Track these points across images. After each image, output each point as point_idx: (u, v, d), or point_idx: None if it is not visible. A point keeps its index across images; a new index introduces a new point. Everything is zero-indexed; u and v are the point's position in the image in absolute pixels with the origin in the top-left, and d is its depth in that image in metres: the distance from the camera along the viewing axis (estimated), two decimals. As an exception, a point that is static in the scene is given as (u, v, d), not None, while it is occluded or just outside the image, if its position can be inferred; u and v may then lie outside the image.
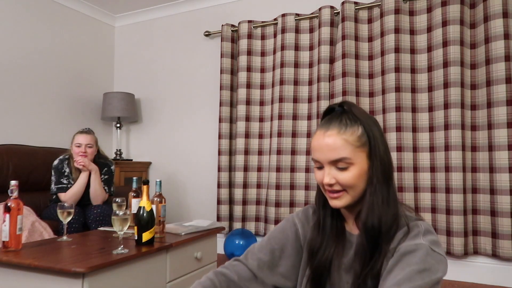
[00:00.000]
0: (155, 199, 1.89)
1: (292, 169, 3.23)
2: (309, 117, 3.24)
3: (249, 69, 3.44)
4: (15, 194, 1.62)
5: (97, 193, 2.68)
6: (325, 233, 0.98)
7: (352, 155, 0.87)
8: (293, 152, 3.24)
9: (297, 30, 3.28)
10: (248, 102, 3.43)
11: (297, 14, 3.28)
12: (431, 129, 2.81)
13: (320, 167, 0.91)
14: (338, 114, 0.91)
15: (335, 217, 0.98)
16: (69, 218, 1.89)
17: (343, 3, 3.05)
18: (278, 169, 3.22)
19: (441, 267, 0.81)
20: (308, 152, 3.22)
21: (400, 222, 0.88)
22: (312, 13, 3.24)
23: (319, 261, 0.96)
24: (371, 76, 3.04)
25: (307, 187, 3.20)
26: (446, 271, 0.83)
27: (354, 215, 0.95)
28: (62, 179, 2.67)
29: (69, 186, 2.66)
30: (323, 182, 0.90)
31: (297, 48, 3.27)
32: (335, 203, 0.91)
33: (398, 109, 2.84)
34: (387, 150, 0.92)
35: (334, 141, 0.87)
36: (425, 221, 0.89)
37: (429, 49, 2.84)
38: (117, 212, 1.62)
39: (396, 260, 0.82)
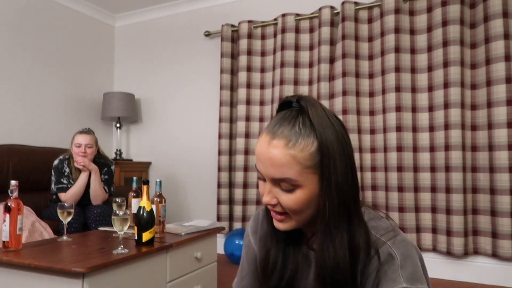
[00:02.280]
0: (155, 199, 1.89)
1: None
2: (309, 117, 3.23)
3: (249, 69, 3.43)
4: (15, 194, 1.62)
5: (97, 193, 2.68)
6: (279, 248, 0.82)
7: (298, 177, 0.69)
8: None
9: (297, 30, 3.28)
10: (248, 102, 3.43)
11: (297, 14, 3.28)
12: (431, 129, 2.81)
13: (262, 180, 0.75)
14: (293, 114, 0.72)
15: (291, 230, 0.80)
16: (69, 218, 1.89)
17: (343, 3, 3.05)
18: (278, 169, 3.22)
19: None
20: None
21: (369, 251, 0.72)
22: (312, 13, 3.24)
23: (277, 284, 0.81)
24: (371, 76, 3.04)
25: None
26: None
27: (310, 232, 0.81)
28: (62, 179, 2.67)
29: (69, 186, 2.66)
30: (263, 200, 0.74)
31: (297, 48, 3.27)
32: (278, 225, 0.76)
33: (398, 109, 2.84)
34: (350, 171, 0.72)
35: (279, 156, 0.69)
36: (397, 237, 0.73)
37: (429, 49, 2.84)
38: (117, 212, 1.62)
39: None
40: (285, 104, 0.76)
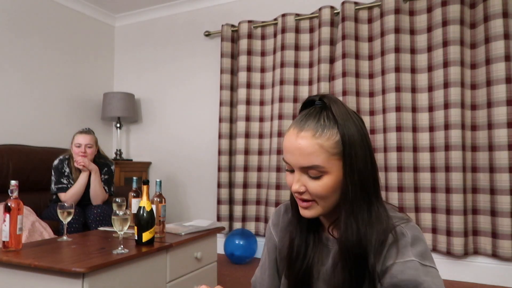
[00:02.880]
0: (155, 199, 1.89)
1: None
2: (309, 117, 3.23)
3: (249, 69, 3.43)
4: (15, 194, 1.62)
5: (97, 193, 2.68)
6: (302, 237, 0.89)
7: (326, 164, 0.76)
8: (293, 152, 3.23)
9: (297, 30, 3.28)
10: (248, 102, 3.43)
11: (297, 14, 3.28)
12: (431, 129, 2.81)
13: (291, 171, 0.82)
14: (317, 110, 0.80)
15: (312, 220, 0.88)
16: (69, 218, 1.89)
17: (343, 3, 3.05)
18: (278, 169, 3.22)
19: (438, 282, 0.74)
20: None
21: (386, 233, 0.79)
22: (312, 13, 3.24)
23: (298, 270, 0.88)
24: (371, 76, 3.04)
25: (307, 187, 3.19)
26: (441, 283, 0.75)
27: (330, 222, 0.87)
28: (62, 179, 2.67)
29: (69, 186, 2.66)
30: (292, 187, 0.81)
31: (297, 48, 3.27)
32: (304, 212, 0.82)
33: (398, 109, 2.84)
34: (369, 159, 0.80)
35: (307, 146, 0.76)
36: (410, 223, 0.80)
37: (429, 49, 2.84)
38: (117, 212, 1.62)
39: None
40: (308, 103, 0.84)
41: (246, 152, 3.42)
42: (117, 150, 3.95)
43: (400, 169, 2.82)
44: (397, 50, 2.85)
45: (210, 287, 0.72)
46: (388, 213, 0.81)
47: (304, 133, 0.77)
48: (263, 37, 3.47)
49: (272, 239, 1.00)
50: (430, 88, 2.83)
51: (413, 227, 0.79)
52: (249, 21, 3.45)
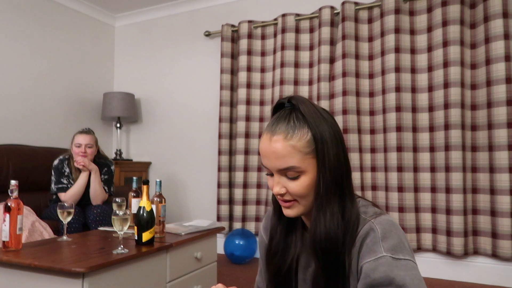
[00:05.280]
0: (155, 199, 1.89)
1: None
2: (309, 117, 3.23)
3: (249, 69, 3.43)
4: (15, 194, 1.62)
5: (97, 193, 2.68)
6: (281, 235, 0.90)
7: (301, 163, 0.78)
8: (293, 152, 3.23)
9: (297, 30, 3.28)
10: (248, 102, 3.43)
11: (297, 14, 3.28)
12: (431, 129, 2.81)
13: (270, 175, 0.84)
14: (286, 112, 0.81)
15: (294, 221, 0.90)
16: (69, 218, 1.89)
17: (343, 3, 3.05)
18: (278, 169, 3.22)
19: (412, 274, 0.72)
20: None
21: (357, 227, 0.79)
22: (312, 13, 3.24)
23: (275, 267, 0.89)
24: (371, 76, 3.04)
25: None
26: (420, 277, 0.73)
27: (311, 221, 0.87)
28: (62, 179, 2.67)
29: (69, 186, 2.66)
30: (273, 190, 0.82)
31: (297, 48, 3.27)
32: (287, 212, 0.84)
33: (398, 109, 2.84)
34: (342, 155, 0.81)
35: (281, 149, 0.78)
36: (381, 216, 0.79)
37: (429, 49, 2.84)
38: (117, 212, 1.62)
39: None
40: (278, 106, 0.86)
41: (246, 152, 3.42)
42: (117, 150, 3.95)
43: (400, 169, 2.82)
44: (397, 50, 2.85)
45: (226, 287, 0.73)
46: (359, 209, 0.82)
47: (276, 137, 0.79)
48: (263, 37, 3.47)
49: (263, 243, 1.01)
50: (430, 88, 2.83)
51: (383, 221, 0.78)
52: (249, 21, 3.45)
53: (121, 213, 1.61)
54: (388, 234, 0.76)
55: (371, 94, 3.03)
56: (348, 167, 0.83)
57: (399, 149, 2.83)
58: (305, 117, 0.79)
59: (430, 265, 2.82)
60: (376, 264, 0.73)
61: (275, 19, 3.38)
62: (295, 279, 0.90)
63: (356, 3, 3.05)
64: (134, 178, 2.17)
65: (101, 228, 2.26)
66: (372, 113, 3.02)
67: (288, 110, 0.82)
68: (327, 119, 0.81)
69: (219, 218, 3.43)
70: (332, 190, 0.79)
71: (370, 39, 3.05)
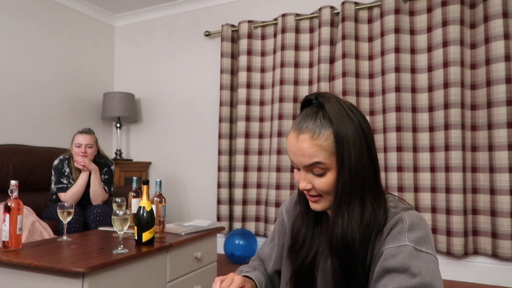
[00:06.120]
0: (155, 199, 1.89)
1: (292, 169, 3.23)
2: (309, 117, 3.23)
3: (249, 69, 3.43)
4: (15, 194, 1.62)
5: (97, 193, 2.68)
6: (308, 228, 0.92)
7: (327, 161, 0.79)
8: (293, 152, 3.23)
9: (297, 30, 3.28)
10: (248, 102, 3.43)
11: (297, 14, 3.28)
12: (431, 129, 2.81)
13: (298, 168, 0.85)
14: (313, 110, 0.82)
15: (319, 214, 0.92)
16: (69, 218, 1.89)
17: (343, 3, 3.05)
18: (278, 169, 3.22)
19: (430, 266, 0.73)
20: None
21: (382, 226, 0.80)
22: (312, 13, 3.24)
23: (302, 260, 0.90)
24: (371, 76, 3.04)
25: (307, 187, 3.19)
26: (437, 271, 0.74)
27: None
28: (62, 179, 2.67)
29: (69, 186, 2.66)
30: (299, 186, 0.84)
31: (297, 48, 3.27)
32: (313, 206, 0.86)
33: (398, 109, 2.84)
34: (366, 155, 0.80)
35: (307, 147, 0.79)
36: (412, 211, 0.80)
37: (429, 49, 2.84)
38: (117, 212, 1.62)
39: (378, 272, 0.76)
40: (306, 102, 0.86)
41: (246, 152, 3.42)
42: (117, 150, 3.95)
43: (400, 169, 2.82)
44: (397, 50, 2.85)
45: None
46: (389, 204, 0.83)
47: (302, 136, 0.80)
48: (263, 37, 3.47)
49: (284, 224, 1.03)
50: (430, 88, 2.83)
51: (413, 214, 0.79)
52: (249, 21, 3.45)
53: (121, 213, 1.62)
54: (415, 226, 0.77)
55: (371, 94, 3.03)
56: (375, 168, 0.82)
57: (399, 149, 2.83)
58: (330, 117, 0.79)
59: (430, 265, 2.82)
60: (397, 251, 0.74)
61: (275, 19, 3.38)
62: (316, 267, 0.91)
63: (356, 3, 3.05)
64: (134, 178, 2.17)
65: (101, 228, 2.26)
66: (372, 113, 3.02)
67: (315, 108, 0.82)
68: (354, 118, 0.80)
69: (219, 218, 3.43)
70: (351, 192, 0.79)
71: (370, 39, 3.05)
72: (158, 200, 1.89)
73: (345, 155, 0.78)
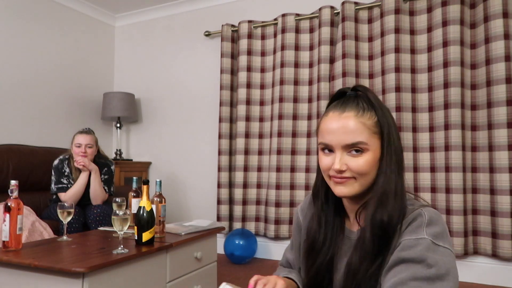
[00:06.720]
0: (155, 199, 1.89)
1: (292, 169, 3.23)
2: (309, 117, 3.24)
3: (249, 69, 3.43)
4: (15, 194, 1.62)
5: (97, 193, 2.68)
6: (327, 229, 0.92)
7: (368, 140, 0.82)
8: (293, 152, 3.24)
9: (297, 30, 3.28)
10: (248, 102, 3.43)
11: (297, 14, 3.28)
12: (431, 129, 2.81)
13: (329, 152, 0.85)
14: (351, 98, 0.86)
15: (336, 211, 0.92)
16: (69, 218, 1.89)
17: (343, 3, 3.05)
18: (278, 169, 3.22)
19: (446, 259, 0.74)
20: (308, 152, 3.22)
21: (405, 213, 0.82)
22: (312, 13, 3.24)
23: (321, 262, 0.90)
24: (371, 76, 3.04)
25: (307, 187, 3.20)
26: (454, 265, 0.75)
27: (356, 209, 0.89)
28: (62, 179, 2.67)
29: (69, 186, 2.66)
30: (333, 167, 0.83)
31: (297, 48, 3.27)
32: (340, 189, 0.84)
33: (398, 109, 2.84)
34: (400, 140, 0.87)
35: (352, 124, 0.81)
36: (430, 208, 0.82)
37: (429, 49, 2.84)
38: (117, 212, 1.62)
39: (393, 261, 0.77)
40: (339, 94, 0.90)
41: (246, 152, 3.42)
42: (117, 150, 3.95)
43: (400, 169, 2.82)
44: (397, 50, 2.85)
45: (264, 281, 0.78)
46: (406, 202, 0.86)
47: (347, 113, 0.83)
48: (263, 37, 3.47)
49: (299, 223, 1.05)
50: (430, 88, 2.83)
51: (431, 210, 0.81)
52: (249, 21, 3.45)
53: (121, 213, 1.61)
54: (434, 222, 0.78)
55: (371, 94, 3.02)
56: (402, 150, 0.88)
57: (399, 149, 2.83)
58: (372, 102, 0.84)
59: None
60: (415, 243, 0.76)
61: (275, 19, 3.38)
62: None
63: (356, 3, 3.05)
64: (134, 178, 2.17)
65: (101, 228, 2.26)
66: (372, 113, 3.01)
67: (352, 97, 0.86)
68: (387, 109, 0.87)
69: (219, 218, 3.43)
70: (396, 170, 0.83)
71: (370, 39, 3.05)
72: (158, 200, 1.89)
73: (390, 135, 0.83)
